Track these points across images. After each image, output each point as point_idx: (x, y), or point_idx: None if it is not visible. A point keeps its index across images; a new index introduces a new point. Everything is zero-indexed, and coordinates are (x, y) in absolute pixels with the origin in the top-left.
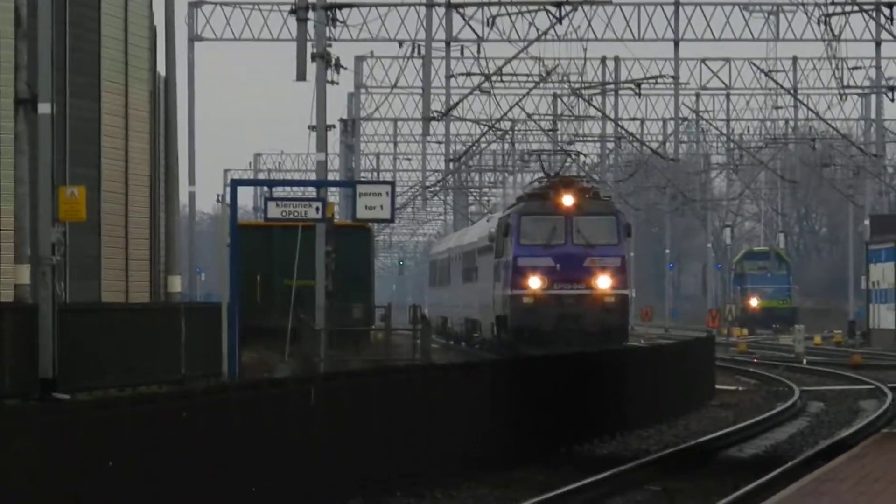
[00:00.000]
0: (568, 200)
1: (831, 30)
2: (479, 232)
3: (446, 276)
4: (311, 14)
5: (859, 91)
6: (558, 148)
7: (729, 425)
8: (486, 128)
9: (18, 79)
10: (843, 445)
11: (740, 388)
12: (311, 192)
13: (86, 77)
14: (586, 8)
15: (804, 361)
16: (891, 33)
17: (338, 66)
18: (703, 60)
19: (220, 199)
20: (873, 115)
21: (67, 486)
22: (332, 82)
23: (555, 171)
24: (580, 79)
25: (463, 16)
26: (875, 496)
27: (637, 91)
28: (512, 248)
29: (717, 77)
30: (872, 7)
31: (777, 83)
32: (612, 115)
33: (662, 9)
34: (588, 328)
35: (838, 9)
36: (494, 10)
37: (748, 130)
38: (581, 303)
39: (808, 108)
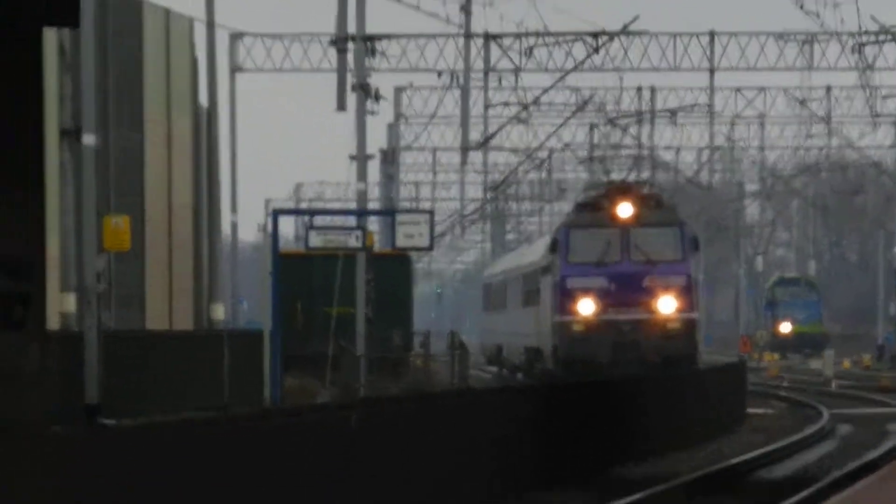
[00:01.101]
0: (624, 210)
1: (864, 59)
2: (541, 249)
3: (501, 300)
4: (350, 45)
5: (892, 119)
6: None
7: (759, 447)
8: (524, 157)
9: (63, 110)
10: (871, 466)
11: (770, 412)
12: (351, 221)
13: (129, 108)
14: (622, 38)
15: (833, 385)
16: None
17: (377, 97)
18: (738, 89)
19: (261, 228)
20: None
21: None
22: (372, 112)
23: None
24: (616, 108)
25: (501, 46)
26: None
27: (672, 120)
28: (560, 266)
29: (752, 105)
30: None
31: (811, 111)
32: (648, 144)
33: (698, 38)
34: (648, 358)
35: (871, 38)
36: (532, 40)
37: (782, 158)
38: (640, 329)
39: (841, 137)
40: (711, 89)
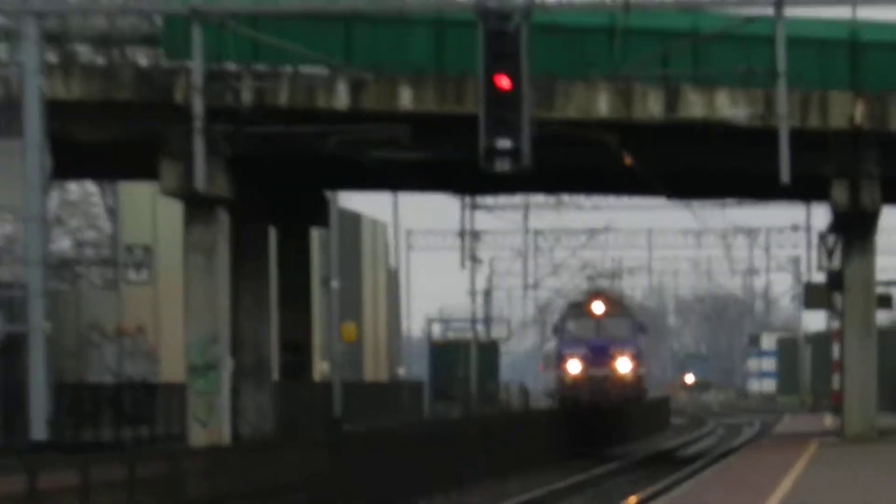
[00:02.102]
0: (597, 308)
1: None
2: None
3: (545, 365)
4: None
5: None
6: None
7: (677, 439)
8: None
9: (321, 268)
10: (735, 448)
11: (682, 421)
12: (468, 325)
13: (352, 268)
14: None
15: (715, 408)
16: None
17: (479, 261)
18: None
19: (423, 329)
20: None
21: (349, 476)
22: (477, 262)
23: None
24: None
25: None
26: (749, 473)
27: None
28: (559, 342)
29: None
30: None
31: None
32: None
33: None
34: (613, 398)
35: None
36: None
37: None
38: (607, 380)
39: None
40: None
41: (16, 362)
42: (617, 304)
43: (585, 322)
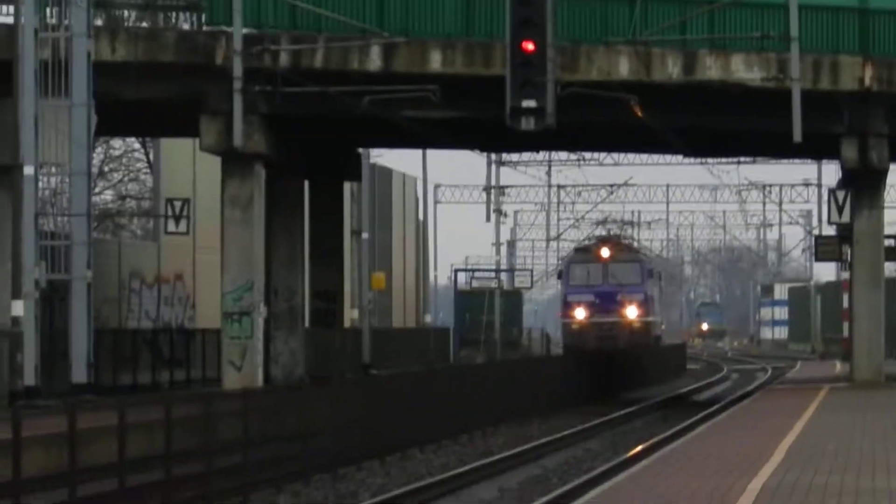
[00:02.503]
0: (604, 252)
1: None
2: None
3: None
4: (492, 192)
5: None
6: None
7: (693, 384)
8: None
9: (352, 220)
10: (750, 393)
11: (698, 367)
12: (492, 275)
13: (384, 220)
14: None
15: (729, 354)
16: None
17: (504, 214)
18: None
19: (450, 278)
20: None
21: (377, 414)
22: (503, 215)
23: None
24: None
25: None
26: (763, 417)
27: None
28: (564, 288)
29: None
30: None
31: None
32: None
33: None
34: (620, 347)
35: None
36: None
37: (703, 244)
38: (614, 328)
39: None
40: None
41: (59, 309)
42: (625, 249)
43: (592, 267)
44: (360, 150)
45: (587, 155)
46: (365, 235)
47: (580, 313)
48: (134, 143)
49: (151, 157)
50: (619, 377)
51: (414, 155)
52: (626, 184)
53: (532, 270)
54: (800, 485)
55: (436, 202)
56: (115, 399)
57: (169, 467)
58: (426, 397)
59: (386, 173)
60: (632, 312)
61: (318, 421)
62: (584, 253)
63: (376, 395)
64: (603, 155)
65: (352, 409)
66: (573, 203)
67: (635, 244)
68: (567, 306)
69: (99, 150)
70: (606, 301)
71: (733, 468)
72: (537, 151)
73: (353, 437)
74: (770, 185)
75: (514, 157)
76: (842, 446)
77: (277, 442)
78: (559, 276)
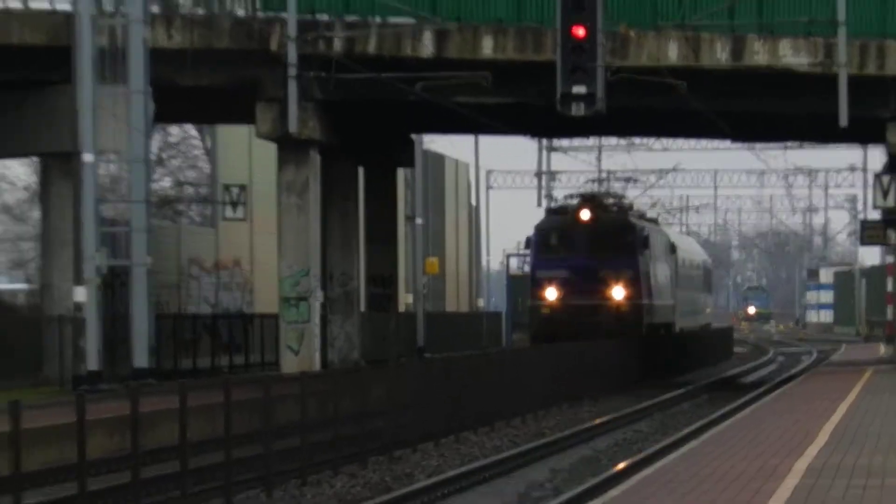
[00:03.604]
0: (584, 214)
1: None
2: None
3: None
4: (543, 178)
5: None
6: None
7: (740, 367)
8: None
9: (406, 206)
10: (796, 375)
11: (745, 350)
12: None
13: (437, 205)
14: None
15: (775, 337)
16: None
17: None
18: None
19: (501, 263)
20: None
21: (431, 397)
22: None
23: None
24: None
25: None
26: (808, 399)
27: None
28: (532, 260)
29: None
30: None
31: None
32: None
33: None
34: (604, 335)
35: None
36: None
37: (750, 227)
38: (596, 313)
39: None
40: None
41: (120, 294)
42: (611, 211)
43: (568, 233)
44: (413, 136)
45: (636, 140)
46: (419, 221)
47: (552, 293)
48: (191, 129)
49: (208, 143)
50: (668, 361)
51: (466, 141)
52: (674, 169)
53: None
54: (844, 465)
55: (488, 188)
56: (176, 383)
57: (229, 450)
58: (480, 381)
59: (439, 159)
60: (618, 293)
61: (373, 404)
62: (560, 215)
63: (430, 379)
64: (652, 140)
65: (406, 393)
66: (623, 188)
67: (630, 205)
68: (536, 284)
69: (157, 137)
70: (586, 278)
71: (779, 449)
72: (587, 137)
73: (408, 420)
74: (816, 170)
75: (565, 142)
76: (885, 428)
77: (334, 424)
78: (526, 245)
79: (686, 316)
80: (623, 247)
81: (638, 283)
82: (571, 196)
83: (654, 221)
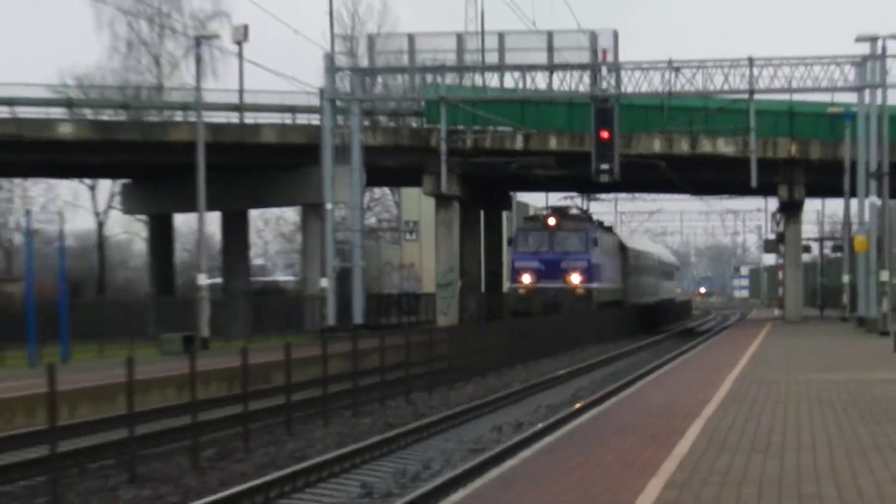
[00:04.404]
0: (551, 221)
1: None
2: None
3: None
4: None
5: None
6: None
7: (696, 321)
8: None
9: (508, 232)
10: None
11: (698, 312)
12: None
13: None
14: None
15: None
16: None
17: None
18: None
19: None
20: None
21: (513, 344)
22: None
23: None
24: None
25: None
26: (736, 340)
27: None
28: (513, 254)
29: None
30: None
31: None
32: None
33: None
34: (564, 311)
35: None
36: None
37: None
38: (558, 294)
39: None
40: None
41: (346, 283)
42: (572, 218)
43: (539, 235)
44: (511, 192)
45: (637, 194)
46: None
47: (526, 279)
48: (386, 190)
49: (396, 197)
50: (655, 318)
51: (542, 195)
52: (658, 211)
53: None
54: (759, 376)
55: None
56: (378, 331)
57: (407, 370)
58: (543, 332)
59: (524, 206)
60: (575, 279)
61: (488, 343)
62: (534, 221)
63: (514, 332)
64: (645, 195)
65: (503, 338)
66: (629, 221)
67: (589, 215)
68: (515, 272)
69: (367, 194)
70: (551, 268)
71: (720, 367)
72: (609, 192)
73: (503, 353)
74: (738, 211)
75: (600, 195)
76: (782, 352)
77: (468, 356)
78: (509, 243)
79: (637, 295)
80: (578, 245)
81: (589, 272)
82: (546, 208)
83: (609, 229)
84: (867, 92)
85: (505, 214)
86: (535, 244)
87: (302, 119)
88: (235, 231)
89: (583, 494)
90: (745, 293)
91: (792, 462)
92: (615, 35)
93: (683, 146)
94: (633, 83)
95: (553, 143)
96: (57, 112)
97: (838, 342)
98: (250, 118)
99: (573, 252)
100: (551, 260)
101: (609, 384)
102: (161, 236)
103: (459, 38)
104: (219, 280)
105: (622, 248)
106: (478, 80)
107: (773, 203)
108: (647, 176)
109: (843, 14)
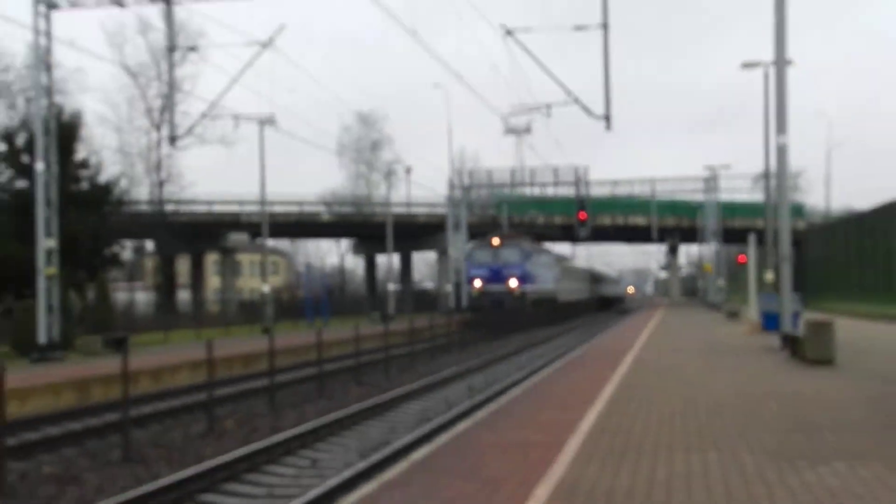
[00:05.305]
0: (494, 241)
1: None
2: None
3: None
4: None
5: None
6: None
7: (632, 307)
8: None
9: None
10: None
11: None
12: None
13: None
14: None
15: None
16: None
17: None
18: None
19: None
20: None
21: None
22: None
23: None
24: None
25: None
26: (644, 315)
27: None
28: (469, 266)
29: None
30: None
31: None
32: None
33: None
34: (505, 307)
35: None
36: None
37: None
38: (501, 294)
39: None
40: None
41: (457, 288)
42: (509, 239)
43: (487, 251)
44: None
45: (598, 242)
46: None
47: (478, 283)
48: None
49: None
50: (608, 305)
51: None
52: (608, 252)
53: None
54: (659, 340)
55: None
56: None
57: (434, 341)
58: (537, 314)
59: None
60: (512, 283)
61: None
62: (483, 242)
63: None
64: (607, 243)
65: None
66: (594, 256)
67: (529, 240)
68: (469, 279)
69: (468, 245)
70: (495, 275)
71: (635, 333)
72: (585, 242)
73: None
74: (649, 251)
75: (580, 244)
76: (674, 326)
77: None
78: (466, 258)
79: (569, 295)
80: (514, 258)
81: (524, 278)
82: (496, 233)
83: (544, 249)
84: (710, 194)
85: None
86: (484, 258)
87: (437, 210)
88: (405, 263)
89: (574, 388)
90: (652, 292)
91: (682, 372)
92: (586, 168)
93: (619, 220)
94: (595, 190)
95: (558, 220)
96: (320, 208)
97: (698, 313)
98: (414, 209)
99: (511, 263)
100: (495, 269)
101: (573, 344)
102: (370, 265)
103: (512, 172)
104: (399, 287)
105: (557, 262)
106: (523, 190)
107: (664, 247)
108: (602, 235)
109: (695, 154)
